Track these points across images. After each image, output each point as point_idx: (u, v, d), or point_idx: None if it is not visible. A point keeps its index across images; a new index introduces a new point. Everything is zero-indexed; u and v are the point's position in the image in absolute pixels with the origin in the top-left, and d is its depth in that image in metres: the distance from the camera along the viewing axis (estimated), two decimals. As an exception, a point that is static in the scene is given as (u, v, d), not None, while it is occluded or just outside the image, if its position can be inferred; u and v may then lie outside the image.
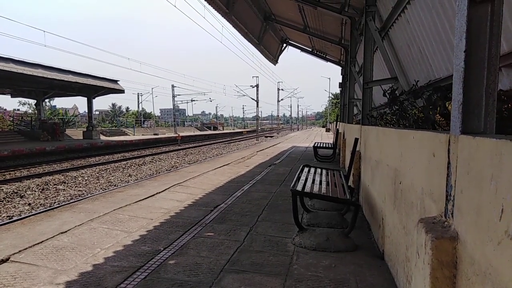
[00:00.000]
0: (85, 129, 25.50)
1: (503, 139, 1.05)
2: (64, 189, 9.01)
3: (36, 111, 26.21)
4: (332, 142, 12.19)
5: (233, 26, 10.81)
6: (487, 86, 1.37)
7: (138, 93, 45.93)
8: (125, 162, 14.53)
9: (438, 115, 4.08)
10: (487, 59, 1.37)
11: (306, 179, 4.04)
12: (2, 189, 8.60)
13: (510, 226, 0.97)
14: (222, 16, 9.81)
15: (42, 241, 3.20)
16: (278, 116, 58.36)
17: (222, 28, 26.89)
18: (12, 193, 8.27)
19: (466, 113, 1.40)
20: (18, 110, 49.08)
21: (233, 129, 63.35)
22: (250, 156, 11.65)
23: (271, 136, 36.91)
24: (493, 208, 1.08)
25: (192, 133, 38.37)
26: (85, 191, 8.87)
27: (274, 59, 17.19)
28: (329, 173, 4.60)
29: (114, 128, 37.40)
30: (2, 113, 32.90)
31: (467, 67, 1.38)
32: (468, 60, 1.38)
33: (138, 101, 46.22)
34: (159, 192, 5.50)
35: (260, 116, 38.51)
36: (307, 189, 3.56)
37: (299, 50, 15.64)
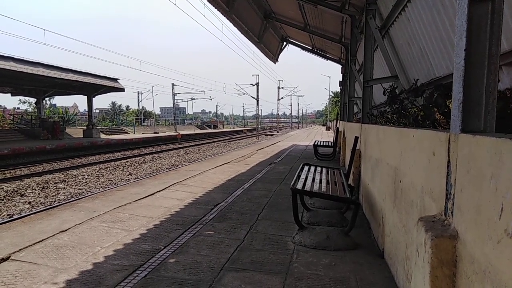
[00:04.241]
0: (85, 128, 25.49)
1: (503, 138, 1.04)
2: (64, 188, 9.02)
3: (36, 110, 26.22)
4: (332, 141, 12.19)
5: (233, 24, 10.79)
6: (487, 84, 1.37)
7: (138, 92, 46.03)
8: (125, 161, 14.53)
9: (438, 113, 4.07)
10: (487, 57, 1.36)
11: (306, 177, 4.05)
12: (3, 188, 8.61)
13: (509, 225, 0.97)
14: (222, 14, 9.79)
15: (43, 240, 3.20)
16: (278, 114, 58.39)
17: (222, 26, 26.84)
18: (12, 192, 8.28)
19: (466, 112, 1.39)
20: (18, 108, 49.07)
21: (233, 128, 63.34)
22: (250, 154, 11.65)
23: (271, 135, 36.90)
24: (492, 206, 1.08)
25: (192, 132, 38.37)
26: (85, 189, 8.88)
27: (274, 58, 17.16)
28: (329, 172, 4.60)
29: (114, 126, 37.39)
30: (2, 112, 32.87)
31: (467, 65, 1.38)
32: (469, 58, 1.38)
33: (138, 100, 46.29)
34: (159, 191, 5.50)
35: (260, 114, 38.51)
36: (307, 187, 3.56)
37: (299, 49, 15.62)
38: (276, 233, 3.61)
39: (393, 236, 2.62)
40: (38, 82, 19.47)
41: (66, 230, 3.50)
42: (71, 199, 7.17)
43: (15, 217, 6.01)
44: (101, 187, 9.22)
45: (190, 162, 13.16)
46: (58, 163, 13.89)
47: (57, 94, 26.06)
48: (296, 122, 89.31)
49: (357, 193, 4.94)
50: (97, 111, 66.95)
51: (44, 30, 18.53)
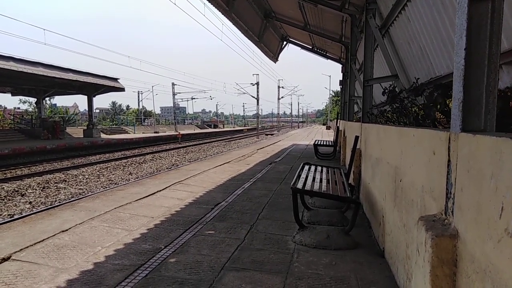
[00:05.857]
0: (85, 128, 25.51)
1: (503, 137, 1.04)
2: (65, 188, 9.03)
3: (36, 110, 26.23)
4: (332, 140, 12.19)
5: (233, 23, 10.78)
6: (487, 84, 1.37)
7: (138, 91, 45.98)
8: (125, 160, 14.54)
9: (438, 112, 4.07)
10: (487, 56, 1.36)
11: (307, 177, 4.05)
12: (3, 188, 8.62)
13: (510, 224, 0.97)
14: (222, 14, 9.78)
15: (43, 240, 3.20)
16: (278, 114, 58.37)
17: (222, 25, 26.91)
18: (13, 192, 8.28)
19: (467, 111, 1.39)
20: (19, 108, 49.13)
21: (234, 127, 63.30)
22: (251, 154, 11.65)
23: (272, 134, 36.87)
24: (493, 206, 1.08)
25: (192, 131, 38.37)
26: (86, 189, 8.89)
27: (274, 57, 17.15)
28: (329, 171, 4.60)
29: (114, 126, 37.39)
30: (2, 112, 32.91)
31: (467, 65, 1.38)
32: (469, 58, 1.38)
33: (139, 99, 46.23)
34: (160, 190, 5.50)
35: (260, 114, 38.49)
36: (308, 187, 3.56)
37: (300, 48, 15.61)
38: (277, 232, 3.62)
39: (393, 235, 2.62)
40: (38, 82, 19.48)
41: (67, 230, 3.51)
42: (72, 199, 7.18)
43: (16, 217, 6.01)
44: (102, 186, 9.23)
45: (190, 162, 13.17)
46: (59, 163, 13.90)
47: (57, 94, 26.07)
48: (297, 122, 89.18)
49: (357, 192, 4.93)
50: (98, 110, 66.98)
51: (44, 30, 18.49)
